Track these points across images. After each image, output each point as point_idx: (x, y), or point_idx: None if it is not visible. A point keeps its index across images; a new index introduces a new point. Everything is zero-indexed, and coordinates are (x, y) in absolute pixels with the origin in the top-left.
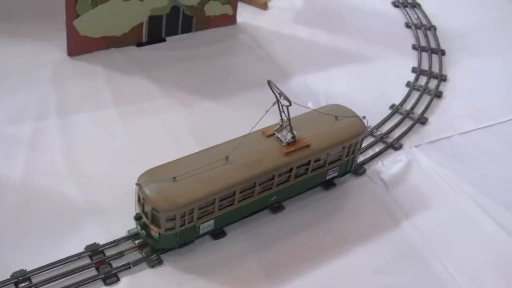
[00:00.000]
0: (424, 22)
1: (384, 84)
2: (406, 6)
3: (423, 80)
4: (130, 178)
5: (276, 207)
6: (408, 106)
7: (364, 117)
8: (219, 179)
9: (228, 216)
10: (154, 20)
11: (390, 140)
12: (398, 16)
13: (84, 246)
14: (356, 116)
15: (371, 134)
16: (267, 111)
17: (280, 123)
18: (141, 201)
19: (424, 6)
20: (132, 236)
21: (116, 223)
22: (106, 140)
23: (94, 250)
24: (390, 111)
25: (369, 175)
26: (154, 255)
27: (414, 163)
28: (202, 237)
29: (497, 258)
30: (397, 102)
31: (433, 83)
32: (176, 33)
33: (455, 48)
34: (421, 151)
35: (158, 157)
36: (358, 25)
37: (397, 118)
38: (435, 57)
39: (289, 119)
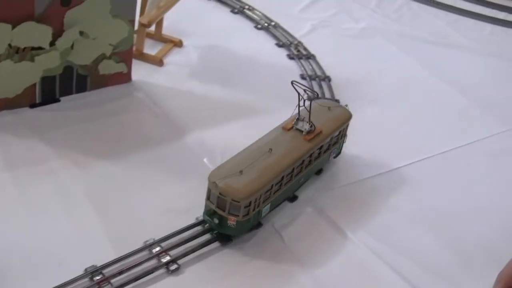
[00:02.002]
0: (318, 73)
1: None
2: (301, 58)
3: None
4: (24, 244)
5: (173, 270)
6: None
7: (346, 105)
8: (273, 167)
9: (276, 200)
10: (47, 81)
11: None
12: (293, 68)
13: None
14: (341, 105)
15: None
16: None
17: (297, 117)
18: (217, 196)
19: (318, 58)
20: None
21: None
22: None
23: None
24: None
25: (266, 228)
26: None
27: (310, 213)
28: None
29: None
30: None
31: None
32: (70, 93)
33: (350, 98)
34: (317, 201)
35: (53, 222)
36: (255, 78)
37: None
38: None
39: (309, 111)
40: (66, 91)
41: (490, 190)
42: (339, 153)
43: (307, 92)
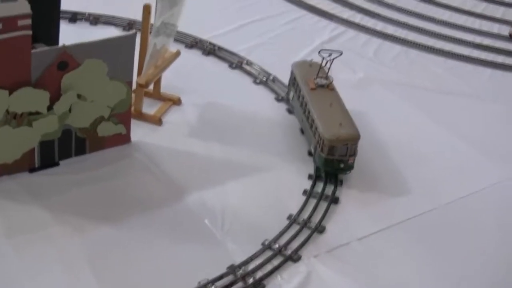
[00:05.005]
0: None
1: (281, 193)
2: None
3: (320, 187)
4: None
5: None
6: (305, 215)
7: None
8: (345, 113)
9: None
10: (45, 145)
11: (288, 252)
12: (293, 122)
13: None
14: (314, 62)
15: (269, 247)
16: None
17: (315, 77)
18: (340, 147)
19: None
20: None
21: None
22: None
23: None
24: (287, 221)
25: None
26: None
27: (313, 274)
28: None
29: None
30: (294, 212)
31: (330, 189)
32: (69, 156)
33: None
34: (320, 261)
35: None
36: (254, 134)
37: (294, 228)
38: None
39: (329, 68)
40: (65, 155)
41: (498, 240)
42: None
43: (332, 53)
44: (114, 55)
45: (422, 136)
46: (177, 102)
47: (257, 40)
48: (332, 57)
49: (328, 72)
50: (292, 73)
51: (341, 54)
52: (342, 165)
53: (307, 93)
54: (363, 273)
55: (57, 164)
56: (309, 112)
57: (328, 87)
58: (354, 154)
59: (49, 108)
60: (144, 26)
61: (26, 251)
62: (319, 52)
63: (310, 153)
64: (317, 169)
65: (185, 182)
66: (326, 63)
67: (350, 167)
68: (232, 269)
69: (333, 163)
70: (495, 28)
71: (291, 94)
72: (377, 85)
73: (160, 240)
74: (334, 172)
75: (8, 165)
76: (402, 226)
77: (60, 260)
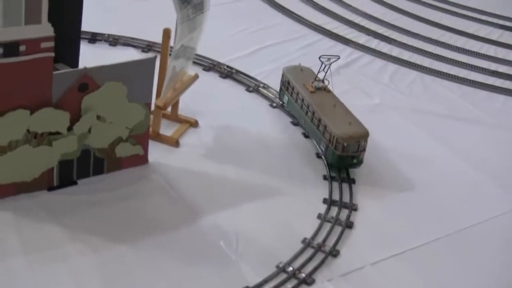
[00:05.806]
0: None
1: (295, 217)
2: None
3: (334, 211)
4: None
5: None
6: (320, 239)
7: (299, 63)
8: (350, 112)
9: None
10: (64, 164)
11: (302, 275)
12: (309, 146)
13: None
14: (303, 66)
15: (284, 270)
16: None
17: (313, 81)
18: (353, 144)
19: None
20: None
21: None
22: None
23: None
24: (302, 245)
25: None
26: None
27: None
28: None
29: None
30: (309, 235)
31: (344, 214)
32: (87, 176)
33: (364, 176)
34: (333, 285)
35: None
36: (270, 157)
37: (309, 252)
38: (346, 187)
39: (326, 72)
40: (83, 174)
41: (508, 269)
42: None
43: (331, 58)
44: (134, 78)
45: (436, 162)
46: (194, 124)
47: (274, 64)
48: (331, 61)
49: (325, 75)
50: (283, 77)
51: (338, 58)
52: (355, 161)
53: (308, 96)
54: None
55: (75, 183)
56: (313, 113)
57: (325, 89)
58: (364, 149)
59: (69, 128)
60: (163, 49)
61: (40, 268)
62: (319, 57)
63: (325, 178)
64: (329, 167)
65: (201, 204)
66: (325, 67)
67: (361, 162)
68: None
69: (347, 159)
70: (511, 55)
71: (286, 98)
72: (392, 111)
73: (174, 261)
74: (347, 167)
75: (27, 183)
76: (416, 251)
77: (73, 278)
